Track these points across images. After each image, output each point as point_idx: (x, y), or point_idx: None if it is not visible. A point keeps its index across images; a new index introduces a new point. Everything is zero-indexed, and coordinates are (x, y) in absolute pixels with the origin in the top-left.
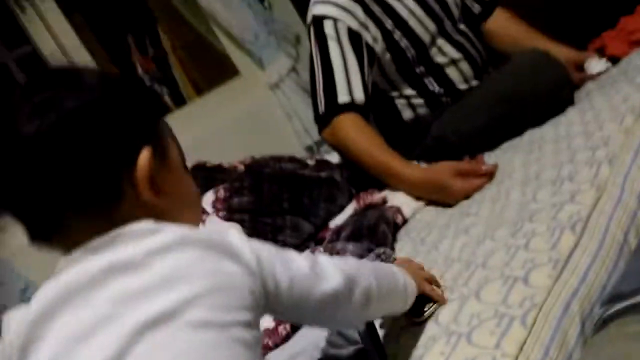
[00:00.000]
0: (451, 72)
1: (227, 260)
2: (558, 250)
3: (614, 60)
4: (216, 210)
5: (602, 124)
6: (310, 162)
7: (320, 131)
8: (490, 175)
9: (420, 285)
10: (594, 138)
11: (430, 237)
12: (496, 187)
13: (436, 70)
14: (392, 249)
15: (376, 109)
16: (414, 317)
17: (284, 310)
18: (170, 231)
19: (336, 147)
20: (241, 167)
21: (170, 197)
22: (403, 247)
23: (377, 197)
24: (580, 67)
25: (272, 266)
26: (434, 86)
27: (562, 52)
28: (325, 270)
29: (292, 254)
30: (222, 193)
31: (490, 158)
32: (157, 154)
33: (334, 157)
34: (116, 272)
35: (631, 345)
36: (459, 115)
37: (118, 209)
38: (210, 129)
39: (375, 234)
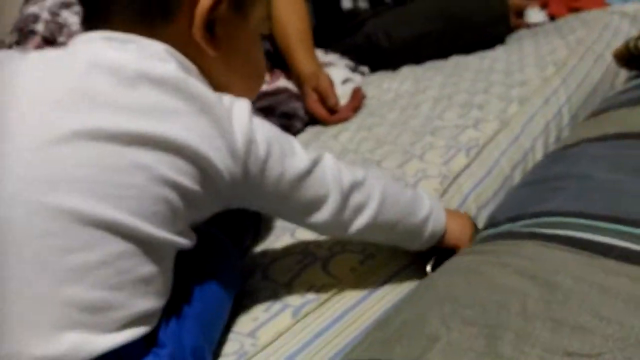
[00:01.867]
0: None
1: (216, 131)
2: (449, 168)
3: (551, 19)
4: None
5: (524, 68)
6: None
7: None
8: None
9: (459, 242)
10: (513, 77)
11: (332, 128)
12: (408, 98)
13: None
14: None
15: None
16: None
17: (261, 203)
18: (181, 69)
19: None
20: None
21: (226, 55)
22: (303, 135)
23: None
24: (519, 14)
25: (263, 155)
26: None
27: None
28: (323, 176)
29: (295, 146)
30: None
31: (411, 72)
32: (235, 1)
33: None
34: (99, 71)
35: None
36: (396, 20)
37: (162, 30)
38: None
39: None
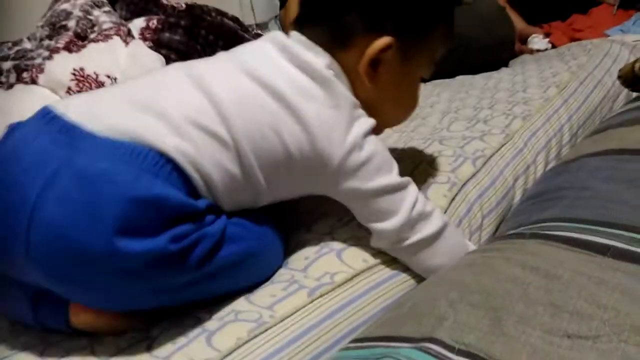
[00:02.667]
0: None
1: (337, 126)
2: (457, 175)
3: (552, 47)
4: (143, 38)
5: (527, 88)
6: (253, 30)
7: (280, 7)
8: None
9: None
10: (516, 96)
11: None
12: (417, 111)
13: None
14: None
15: None
16: None
17: (342, 197)
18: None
19: (283, 27)
20: (181, 6)
21: (381, 89)
22: None
23: None
24: (523, 41)
25: (362, 160)
26: None
27: (515, 18)
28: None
29: (393, 168)
30: (154, 23)
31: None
32: (404, 49)
33: None
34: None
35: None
36: None
37: (338, 53)
38: None
39: None
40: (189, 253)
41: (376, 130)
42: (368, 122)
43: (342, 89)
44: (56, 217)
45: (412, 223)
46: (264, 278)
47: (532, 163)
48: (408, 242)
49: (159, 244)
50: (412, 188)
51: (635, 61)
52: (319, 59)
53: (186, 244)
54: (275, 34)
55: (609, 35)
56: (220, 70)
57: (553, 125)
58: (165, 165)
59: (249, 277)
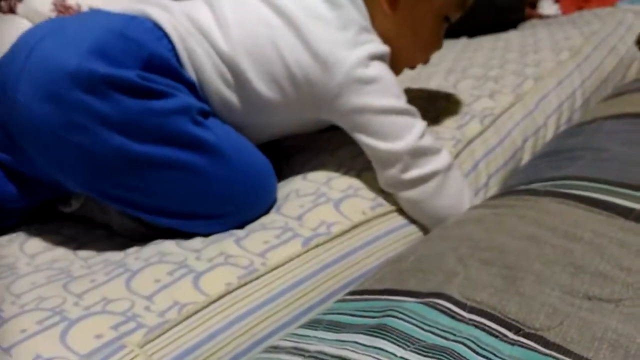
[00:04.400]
0: None
1: (345, 44)
2: (463, 132)
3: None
4: None
5: (539, 50)
6: None
7: None
8: None
9: None
10: (527, 57)
11: None
12: (419, 70)
13: None
14: None
15: None
16: None
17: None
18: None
19: None
20: None
21: (400, 19)
22: None
23: None
24: (532, 5)
25: (368, 78)
26: None
27: None
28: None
29: (400, 94)
30: None
31: None
32: None
33: None
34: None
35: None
36: None
37: None
38: None
39: None
40: (154, 100)
41: (394, 69)
42: (378, 47)
43: (354, 13)
44: (49, 46)
45: (418, 153)
46: (254, 206)
47: (542, 125)
48: (413, 173)
49: (125, 73)
50: (421, 120)
51: None
52: None
53: (154, 87)
54: None
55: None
56: None
57: (566, 89)
58: (158, 32)
59: (232, 193)
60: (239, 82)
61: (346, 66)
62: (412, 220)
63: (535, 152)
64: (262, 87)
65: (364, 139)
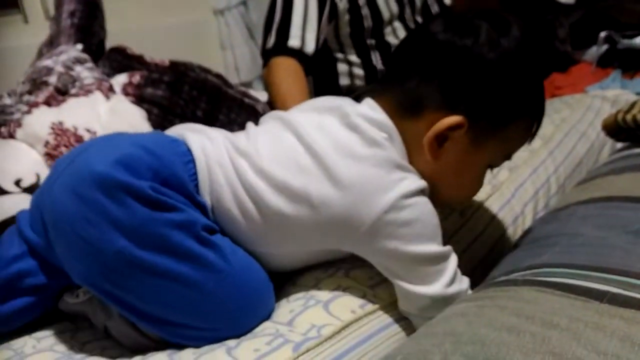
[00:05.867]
0: None
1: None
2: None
3: None
4: (125, 93)
5: None
6: (237, 87)
7: (263, 66)
8: None
9: None
10: None
11: None
12: None
13: (385, 48)
14: None
15: (317, 66)
16: None
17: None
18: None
19: (266, 86)
20: (165, 63)
21: (441, 166)
22: None
23: None
24: None
25: (402, 221)
26: (377, 62)
27: None
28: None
29: (438, 236)
30: (137, 79)
31: None
32: (476, 133)
33: (262, 96)
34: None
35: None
36: None
37: (407, 121)
38: (137, 27)
39: None
40: (162, 211)
41: (433, 203)
42: (415, 183)
43: (391, 151)
44: (91, 153)
45: (447, 299)
46: (247, 322)
47: (520, 214)
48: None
49: (139, 183)
50: (454, 259)
51: (618, 112)
52: (376, 119)
53: (163, 200)
54: (343, 104)
55: (588, 92)
56: (271, 129)
57: (540, 176)
58: (188, 156)
59: (227, 309)
60: (262, 210)
61: (378, 210)
62: (401, 317)
63: (515, 241)
64: (287, 211)
65: (392, 278)
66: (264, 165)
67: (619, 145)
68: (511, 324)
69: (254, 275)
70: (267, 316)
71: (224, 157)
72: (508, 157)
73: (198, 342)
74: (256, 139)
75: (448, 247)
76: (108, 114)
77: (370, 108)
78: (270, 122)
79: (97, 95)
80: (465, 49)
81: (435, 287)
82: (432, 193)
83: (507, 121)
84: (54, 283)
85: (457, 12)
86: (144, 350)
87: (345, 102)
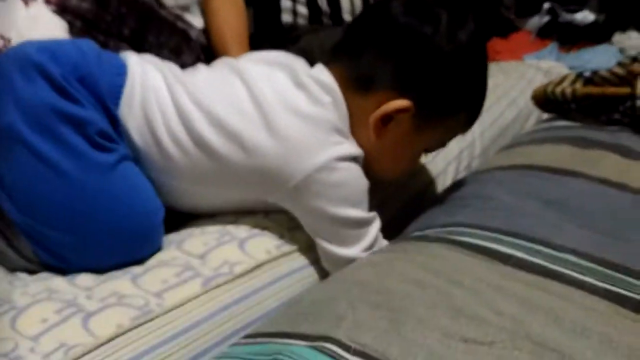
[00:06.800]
0: None
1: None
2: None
3: None
4: (47, 1)
5: None
6: (171, 10)
7: None
8: None
9: None
10: None
11: None
12: None
13: None
14: None
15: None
16: None
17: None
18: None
19: (203, 13)
20: None
21: (382, 145)
22: None
23: None
24: None
25: (329, 182)
26: (322, 3)
27: None
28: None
29: (363, 203)
30: None
31: None
32: (420, 119)
33: (197, 22)
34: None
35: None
36: (330, 37)
37: (357, 96)
38: None
39: None
40: (64, 99)
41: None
42: (351, 149)
43: (333, 114)
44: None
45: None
46: (120, 247)
47: (442, 172)
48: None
49: (52, 67)
50: (376, 225)
51: (548, 84)
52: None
53: (68, 89)
54: (295, 62)
55: (525, 60)
56: (219, 71)
57: (466, 137)
58: (122, 69)
59: (102, 222)
60: (193, 139)
61: (310, 167)
62: (316, 261)
63: (434, 198)
64: (217, 146)
65: (313, 235)
66: (203, 98)
67: (545, 116)
68: (418, 277)
69: (139, 194)
70: (148, 250)
71: (161, 82)
72: (443, 144)
73: (72, 260)
74: (201, 75)
75: (373, 214)
76: (26, 21)
77: (320, 72)
78: (219, 65)
79: (15, 0)
80: (425, 38)
81: (354, 250)
82: (366, 166)
83: (451, 112)
84: None
85: None
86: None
87: (297, 61)
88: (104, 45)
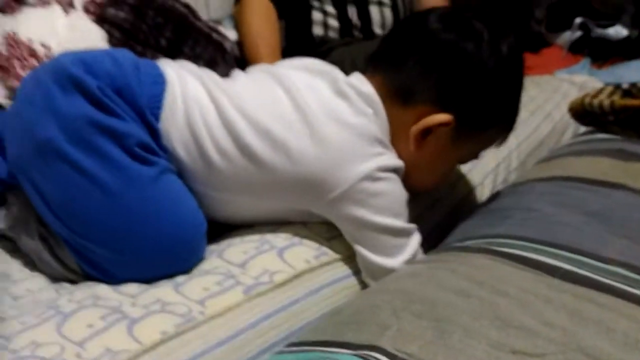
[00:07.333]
0: (374, 11)
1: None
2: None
3: None
4: (86, 11)
5: None
6: (206, 22)
7: (235, 3)
8: None
9: None
10: None
11: None
12: None
13: (362, 3)
14: None
15: (291, 11)
16: None
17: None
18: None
19: (236, 25)
20: None
21: (420, 157)
22: None
23: None
24: None
25: (371, 191)
26: (353, 16)
27: None
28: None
29: (403, 214)
30: None
31: None
32: (459, 132)
33: (231, 34)
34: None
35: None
36: (362, 51)
37: (397, 107)
38: None
39: None
40: (101, 112)
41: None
42: (392, 160)
43: (374, 126)
44: (64, 53)
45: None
46: (163, 256)
47: (479, 184)
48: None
49: (88, 79)
50: (416, 237)
51: (585, 95)
52: (366, 93)
53: (105, 102)
54: (333, 71)
55: (557, 75)
56: (259, 79)
57: (502, 150)
58: (160, 78)
59: (145, 233)
60: (239, 147)
61: (353, 176)
62: (356, 271)
63: (472, 210)
64: (263, 155)
65: (354, 244)
66: (247, 107)
67: (582, 129)
68: (461, 287)
69: (182, 207)
70: (192, 261)
71: (202, 92)
72: (476, 156)
73: (116, 274)
74: (243, 84)
75: (413, 225)
76: (66, 30)
77: (360, 82)
78: (259, 73)
79: (55, 8)
80: (469, 55)
81: (395, 261)
82: (403, 178)
83: (489, 125)
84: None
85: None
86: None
87: (335, 69)
88: (141, 55)
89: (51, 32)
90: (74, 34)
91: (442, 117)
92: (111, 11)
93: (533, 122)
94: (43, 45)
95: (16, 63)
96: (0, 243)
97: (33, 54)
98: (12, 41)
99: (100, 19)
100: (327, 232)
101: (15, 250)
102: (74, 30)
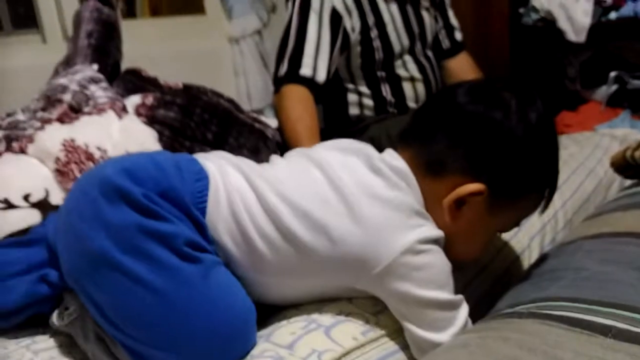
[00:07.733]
0: (407, 87)
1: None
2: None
3: None
4: (138, 114)
5: None
6: (248, 113)
7: (275, 93)
8: None
9: None
10: None
11: None
12: None
13: (395, 81)
14: None
15: (328, 95)
16: None
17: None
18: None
19: (277, 113)
20: (178, 86)
21: (456, 227)
22: None
23: None
24: None
25: (413, 265)
26: (387, 94)
27: None
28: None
29: (449, 285)
30: (150, 100)
31: None
32: (493, 201)
33: (272, 122)
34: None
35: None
36: (397, 125)
37: (429, 179)
38: (154, 51)
39: None
40: (151, 219)
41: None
42: (433, 231)
43: (410, 197)
44: (108, 163)
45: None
46: (220, 348)
47: (526, 247)
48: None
49: (133, 189)
50: (464, 309)
51: (627, 148)
52: (398, 167)
53: (152, 208)
54: (367, 148)
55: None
56: (296, 162)
57: (547, 211)
58: (202, 174)
59: (200, 330)
60: (281, 233)
61: (395, 251)
62: (405, 346)
63: (520, 274)
64: (305, 239)
65: (401, 320)
66: (286, 191)
67: (628, 182)
68: (513, 355)
69: (232, 298)
70: (245, 349)
71: (241, 180)
72: (517, 224)
73: None
74: (280, 168)
75: (460, 297)
76: (120, 133)
77: (392, 157)
78: (295, 156)
79: (110, 115)
80: (496, 123)
81: (444, 336)
82: (444, 248)
83: (525, 192)
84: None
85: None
86: None
87: (367, 147)
88: (190, 150)
89: (106, 136)
90: (127, 136)
91: (474, 186)
92: (161, 112)
93: (576, 179)
94: (99, 148)
95: (74, 167)
96: (58, 339)
97: (90, 157)
98: (70, 147)
99: (151, 120)
100: (373, 306)
101: (72, 345)
102: (127, 133)
